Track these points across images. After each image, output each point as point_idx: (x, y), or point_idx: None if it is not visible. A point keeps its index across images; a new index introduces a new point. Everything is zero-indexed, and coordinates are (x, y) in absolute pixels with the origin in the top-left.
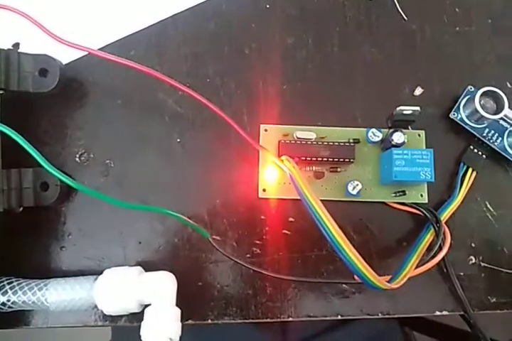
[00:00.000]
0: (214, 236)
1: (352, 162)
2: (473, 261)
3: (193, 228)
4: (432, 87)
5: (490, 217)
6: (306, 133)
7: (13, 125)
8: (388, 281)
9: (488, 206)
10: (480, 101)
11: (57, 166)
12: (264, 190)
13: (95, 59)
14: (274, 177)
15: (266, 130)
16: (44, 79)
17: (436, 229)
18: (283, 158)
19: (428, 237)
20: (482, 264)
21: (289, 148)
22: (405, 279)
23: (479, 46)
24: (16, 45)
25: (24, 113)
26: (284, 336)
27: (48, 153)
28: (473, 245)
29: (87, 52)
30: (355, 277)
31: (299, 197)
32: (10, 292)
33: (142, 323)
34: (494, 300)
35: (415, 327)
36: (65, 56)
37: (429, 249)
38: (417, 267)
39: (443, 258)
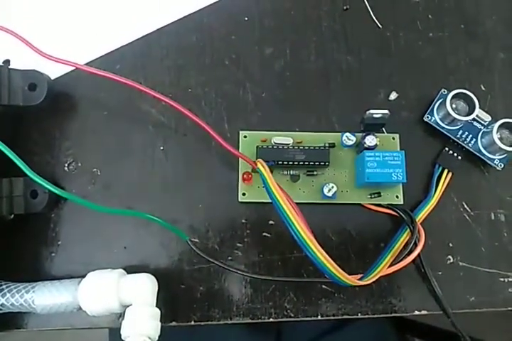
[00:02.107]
0: (193, 239)
1: (327, 165)
2: (451, 260)
3: (173, 230)
4: (407, 91)
5: (467, 217)
6: (283, 138)
7: (5, 137)
8: (360, 279)
9: (465, 206)
10: (452, 104)
11: (47, 175)
12: (243, 194)
13: (82, 73)
14: (251, 181)
15: (245, 136)
16: (33, 93)
17: (411, 229)
18: (257, 161)
19: (404, 237)
20: (460, 263)
21: (266, 152)
22: (377, 277)
23: (453, 51)
24: (7, 62)
25: (15, 125)
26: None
27: (38, 163)
28: (450, 245)
29: (74, 67)
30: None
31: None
32: None
33: (122, 322)
34: (473, 298)
35: (415, 333)
36: (54, 71)
37: (405, 248)
38: (391, 266)
39: (419, 258)
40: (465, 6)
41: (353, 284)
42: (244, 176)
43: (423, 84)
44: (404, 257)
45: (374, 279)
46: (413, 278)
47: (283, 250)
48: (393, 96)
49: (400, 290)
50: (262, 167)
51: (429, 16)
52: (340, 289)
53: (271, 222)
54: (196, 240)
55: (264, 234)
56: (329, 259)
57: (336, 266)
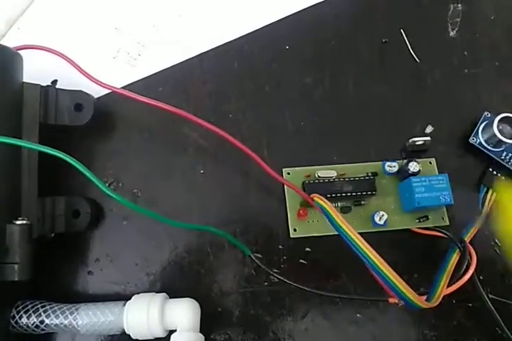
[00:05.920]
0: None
1: (374, 194)
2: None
3: (237, 245)
4: (442, 125)
5: (497, 250)
6: (328, 171)
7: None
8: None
9: (496, 240)
10: (498, 127)
11: (87, 194)
12: (294, 230)
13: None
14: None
15: (288, 173)
16: (79, 113)
17: (461, 248)
18: (313, 196)
19: (454, 256)
20: (490, 296)
21: (313, 187)
22: (441, 297)
23: (486, 88)
24: (54, 82)
25: (58, 144)
26: None
27: (80, 182)
28: (481, 277)
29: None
30: (390, 300)
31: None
32: (43, 315)
33: None
34: (501, 332)
35: None
36: (98, 90)
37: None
38: (448, 286)
39: (472, 276)
40: (499, 44)
41: (425, 307)
42: (301, 212)
43: (457, 118)
44: (461, 276)
45: (439, 300)
46: (444, 309)
47: (319, 277)
48: (429, 129)
49: (432, 319)
50: (322, 201)
51: (465, 53)
52: (374, 317)
53: (307, 249)
54: (258, 255)
55: (301, 260)
56: (402, 282)
57: (409, 288)
